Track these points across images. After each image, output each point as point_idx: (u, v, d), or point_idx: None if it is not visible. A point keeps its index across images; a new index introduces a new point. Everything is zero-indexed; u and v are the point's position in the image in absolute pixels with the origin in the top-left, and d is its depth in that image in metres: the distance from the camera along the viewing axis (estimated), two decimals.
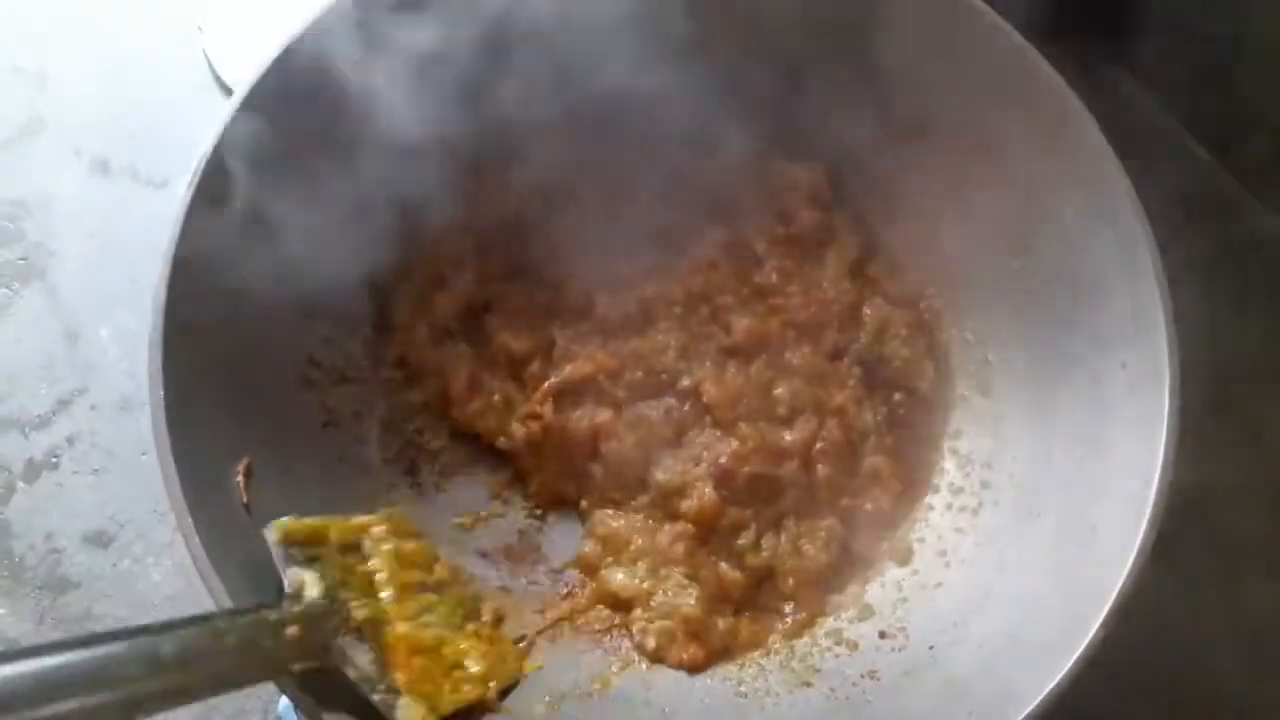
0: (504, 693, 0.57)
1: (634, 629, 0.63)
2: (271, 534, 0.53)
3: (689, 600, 0.63)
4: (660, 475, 0.67)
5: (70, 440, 0.75)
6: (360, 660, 0.52)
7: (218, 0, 0.89)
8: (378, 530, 0.57)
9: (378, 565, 0.56)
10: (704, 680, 0.61)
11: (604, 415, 0.68)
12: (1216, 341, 0.81)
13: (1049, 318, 0.61)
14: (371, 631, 0.53)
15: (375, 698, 0.51)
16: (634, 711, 0.59)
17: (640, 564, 0.65)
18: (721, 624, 0.63)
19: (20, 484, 0.73)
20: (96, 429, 0.75)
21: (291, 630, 0.49)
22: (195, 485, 0.49)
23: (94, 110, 0.88)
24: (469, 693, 0.55)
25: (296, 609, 0.50)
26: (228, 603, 0.47)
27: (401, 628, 0.54)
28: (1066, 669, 0.46)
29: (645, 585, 0.64)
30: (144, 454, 0.51)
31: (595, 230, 0.70)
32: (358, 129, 0.61)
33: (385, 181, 0.64)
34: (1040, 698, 0.46)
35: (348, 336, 0.66)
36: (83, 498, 0.73)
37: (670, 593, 0.63)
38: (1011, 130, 0.61)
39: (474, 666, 0.56)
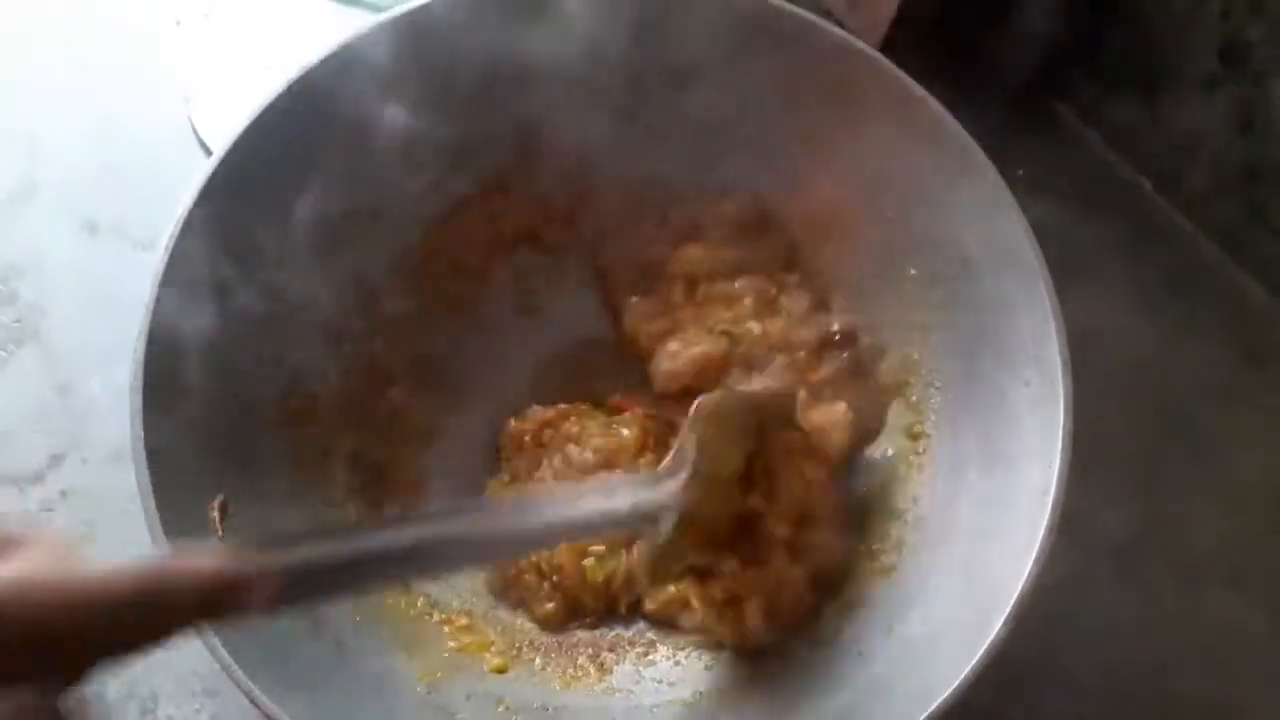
0: None
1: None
2: None
3: None
4: None
5: (64, 494, 0.76)
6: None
7: (204, 71, 0.93)
8: None
9: None
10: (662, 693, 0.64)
11: None
12: (1168, 362, 0.84)
13: (963, 342, 0.66)
14: None
15: None
16: None
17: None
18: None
19: None
20: (89, 482, 0.76)
21: None
22: (175, 523, 0.53)
23: (84, 174, 0.90)
24: None
25: None
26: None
27: None
28: (973, 664, 0.50)
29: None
30: (133, 505, 0.54)
31: None
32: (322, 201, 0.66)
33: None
34: (949, 690, 0.50)
35: (316, 381, 0.69)
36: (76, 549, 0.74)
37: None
38: (926, 177, 0.66)
39: None
